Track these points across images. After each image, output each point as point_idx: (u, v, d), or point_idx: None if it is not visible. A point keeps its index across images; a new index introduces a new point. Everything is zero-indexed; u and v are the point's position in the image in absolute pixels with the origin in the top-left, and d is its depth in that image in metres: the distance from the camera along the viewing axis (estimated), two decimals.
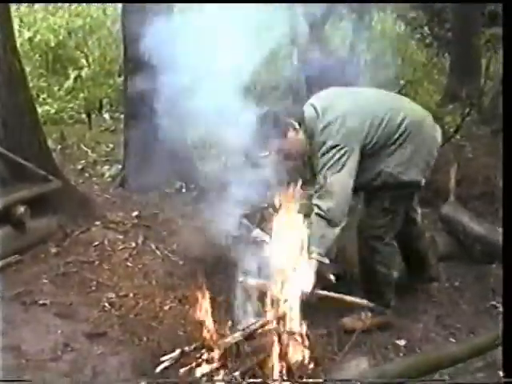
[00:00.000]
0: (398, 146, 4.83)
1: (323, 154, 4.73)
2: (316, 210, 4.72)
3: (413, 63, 14.04)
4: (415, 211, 5.43)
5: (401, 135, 4.83)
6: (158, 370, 4.39)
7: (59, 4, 13.21)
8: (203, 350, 4.45)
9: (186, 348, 4.46)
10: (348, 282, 5.44)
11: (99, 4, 13.56)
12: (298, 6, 8.72)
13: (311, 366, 4.46)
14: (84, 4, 13.49)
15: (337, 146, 4.69)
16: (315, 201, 4.76)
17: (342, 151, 4.68)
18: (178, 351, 4.44)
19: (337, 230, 4.74)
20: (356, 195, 5.08)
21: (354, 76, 9.94)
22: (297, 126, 4.88)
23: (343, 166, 4.68)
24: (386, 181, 4.88)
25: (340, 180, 4.70)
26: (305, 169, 5.39)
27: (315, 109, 4.89)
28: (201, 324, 4.67)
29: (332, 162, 4.69)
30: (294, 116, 4.93)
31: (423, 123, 4.96)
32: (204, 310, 4.71)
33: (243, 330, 4.52)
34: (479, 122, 10.11)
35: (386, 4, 15.66)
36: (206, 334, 4.53)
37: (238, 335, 4.44)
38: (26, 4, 12.62)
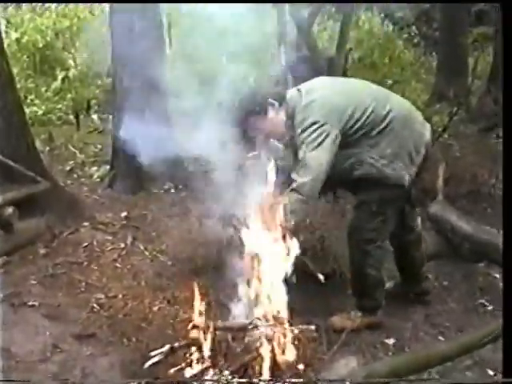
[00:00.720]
0: (382, 138, 4.79)
1: (303, 131, 4.69)
2: (292, 184, 4.73)
3: (400, 63, 14.09)
4: (413, 219, 5.40)
5: (385, 127, 4.78)
6: (147, 365, 4.40)
7: (46, 5, 13.18)
8: (192, 349, 4.46)
9: (176, 344, 4.48)
10: (337, 282, 5.46)
11: (87, 4, 13.53)
12: (287, 5, 8.71)
13: (300, 365, 4.48)
14: (71, 5, 13.45)
15: (317, 122, 4.65)
16: (293, 175, 4.76)
17: (322, 128, 4.64)
18: (167, 346, 4.45)
19: (306, 206, 4.80)
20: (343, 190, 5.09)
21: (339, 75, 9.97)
22: (277, 105, 4.86)
23: (321, 142, 4.64)
24: (369, 172, 4.82)
25: (317, 156, 4.66)
26: (287, 151, 5.33)
27: (299, 90, 4.88)
28: (190, 323, 4.69)
29: (311, 138, 4.65)
30: (274, 96, 4.91)
31: (411, 119, 4.93)
32: (193, 309, 4.72)
33: (231, 328, 4.55)
34: (467, 120, 10.15)
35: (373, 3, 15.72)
36: (194, 333, 4.55)
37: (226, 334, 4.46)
38: (13, 5, 12.59)
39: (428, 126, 5.06)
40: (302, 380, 3.79)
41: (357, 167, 4.85)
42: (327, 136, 4.64)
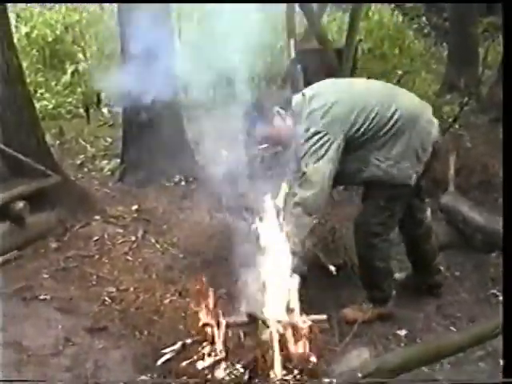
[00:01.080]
0: (388, 140, 4.76)
1: (306, 141, 4.67)
2: (295, 198, 4.73)
3: (410, 53, 14.04)
4: (422, 212, 5.38)
5: (391, 128, 4.75)
6: (160, 362, 4.41)
7: None
8: (204, 343, 4.46)
9: (188, 340, 4.48)
10: (349, 273, 5.45)
11: None
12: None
13: (312, 357, 4.48)
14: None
15: (319, 132, 4.64)
16: (295, 188, 4.75)
17: (325, 138, 4.62)
18: (179, 343, 4.45)
19: (312, 220, 4.76)
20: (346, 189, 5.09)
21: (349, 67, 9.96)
22: (282, 113, 4.84)
23: (325, 153, 4.63)
24: (375, 174, 4.82)
25: (320, 169, 4.65)
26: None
27: (303, 95, 4.87)
28: (201, 317, 4.69)
29: (314, 148, 4.64)
30: (280, 103, 4.90)
31: (418, 117, 4.86)
32: (204, 303, 4.72)
33: (242, 324, 4.55)
34: (477, 111, 10.10)
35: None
36: (206, 327, 4.55)
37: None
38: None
39: (435, 123, 4.99)
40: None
41: (363, 169, 4.84)
42: (330, 146, 4.64)
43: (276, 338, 4.41)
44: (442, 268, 5.66)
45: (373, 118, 4.74)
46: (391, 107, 4.79)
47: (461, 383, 3.24)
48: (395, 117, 4.76)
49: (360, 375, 3.07)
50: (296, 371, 4.35)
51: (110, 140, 8.89)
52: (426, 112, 4.99)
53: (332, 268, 5.28)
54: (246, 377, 4.26)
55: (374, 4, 14.86)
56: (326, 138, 4.63)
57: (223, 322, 4.50)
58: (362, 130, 4.73)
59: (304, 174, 4.67)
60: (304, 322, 4.61)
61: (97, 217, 6.47)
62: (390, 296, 5.21)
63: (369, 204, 5.05)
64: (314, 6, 10.85)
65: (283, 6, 9.54)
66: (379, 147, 4.78)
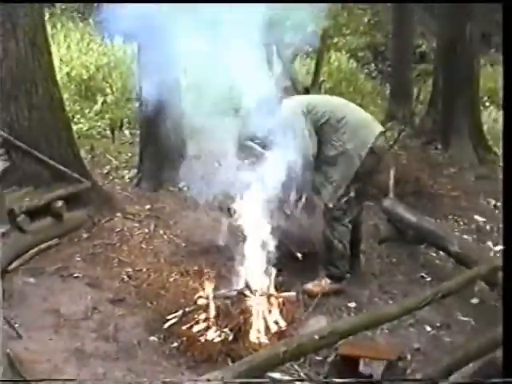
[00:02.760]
0: (340, 128, 4.99)
1: None
2: None
3: (361, 91, 14.06)
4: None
5: (341, 121, 4.99)
6: (166, 326, 4.41)
7: (90, 46, 13.14)
8: (200, 311, 4.46)
9: (187, 309, 4.48)
10: (312, 259, 5.44)
11: (121, 45, 13.50)
12: (274, 47, 8.67)
13: (284, 323, 4.49)
14: (109, 45, 13.43)
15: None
16: None
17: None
18: (180, 312, 4.46)
19: None
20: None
21: None
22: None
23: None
24: (332, 151, 5.00)
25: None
26: None
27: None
28: (198, 292, 4.70)
29: None
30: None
31: (359, 121, 5.08)
32: (200, 281, 4.74)
33: (228, 296, 4.56)
34: (412, 136, 10.15)
35: (341, 45, 15.70)
36: (201, 299, 4.56)
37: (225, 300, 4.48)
38: (65, 46, 12.57)
39: (375, 126, 5.19)
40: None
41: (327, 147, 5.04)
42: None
43: (255, 307, 4.43)
44: (361, 256, 5.63)
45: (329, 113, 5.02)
46: (342, 110, 5.10)
47: (461, 383, 3.21)
48: (343, 119, 4.98)
49: (317, 337, 3.07)
50: (270, 334, 4.38)
51: (129, 155, 8.84)
52: (367, 120, 5.23)
53: (299, 255, 5.29)
54: (232, 337, 4.27)
55: (333, 52, 14.85)
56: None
57: (214, 294, 4.52)
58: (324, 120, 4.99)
59: None
60: (277, 296, 4.64)
61: (118, 214, 6.43)
62: (343, 274, 5.18)
63: (336, 195, 5.06)
64: (289, 53, 10.86)
65: (264, 53, 9.53)
66: (335, 132, 4.98)
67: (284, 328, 4.45)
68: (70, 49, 12.77)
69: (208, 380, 2.58)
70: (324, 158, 5.03)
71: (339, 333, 3.16)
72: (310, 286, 5.17)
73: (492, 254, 5.94)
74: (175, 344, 4.30)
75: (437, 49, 10.80)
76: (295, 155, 4.86)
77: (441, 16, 10.48)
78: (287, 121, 5.00)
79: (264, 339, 4.32)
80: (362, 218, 5.48)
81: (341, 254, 5.15)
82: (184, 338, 4.31)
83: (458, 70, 9.34)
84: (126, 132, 10.26)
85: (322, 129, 5.02)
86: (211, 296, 4.49)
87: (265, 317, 4.45)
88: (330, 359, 3.90)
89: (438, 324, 4.77)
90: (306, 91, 10.02)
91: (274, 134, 5.02)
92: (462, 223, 6.83)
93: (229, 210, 5.39)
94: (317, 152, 5.02)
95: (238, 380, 2.58)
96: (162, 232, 6.21)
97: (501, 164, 7.41)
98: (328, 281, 5.14)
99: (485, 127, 9.75)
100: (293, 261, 5.35)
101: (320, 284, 5.14)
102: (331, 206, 5.05)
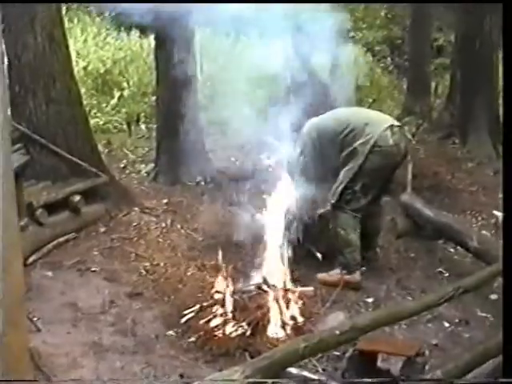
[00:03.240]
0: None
1: None
2: None
3: (378, 86, 13.99)
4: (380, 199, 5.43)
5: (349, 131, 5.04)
6: (183, 320, 4.41)
7: (106, 40, 13.17)
8: (217, 306, 4.46)
9: (204, 304, 4.48)
10: (330, 259, 5.41)
11: (137, 39, 13.51)
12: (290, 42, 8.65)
13: (302, 318, 4.48)
14: (125, 40, 13.44)
15: None
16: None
17: None
18: (197, 306, 4.45)
19: None
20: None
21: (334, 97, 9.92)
22: None
23: None
24: None
25: None
26: None
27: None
28: (215, 286, 4.69)
29: None
30: None
31: (364, 121, 5.10)
32: (217, 275, 4.73)
33: (246, 290, 4.55)
34: (429, 130, 10.09)
35: (358, 39, 15.62)
36: (219, 293, 4.55)
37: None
38: (82, 40, 12.60)
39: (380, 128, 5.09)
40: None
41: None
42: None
43: (273, 302, 4.42)
44: (378, 250, 5.62)
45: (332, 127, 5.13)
46: (346, 119, 5.19)
47: (461, 383, 3.18)
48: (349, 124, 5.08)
49: (337, 332, 3.06)
50: (288, 329, 4.37)
51: (146, 149, 8.86)
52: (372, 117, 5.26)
53: (319, 255, 5.30)
54: (249, 332, 4.26)
55: (350, 47, 14.77)
56: None
57: (232, 289, 4.51)
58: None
59: None
60: (294, 291, 4.62)
61: (135, 208, 6.45)
62: (352, 264, 5.12)
63: (339, 189, 5.09)
64: (305, 49, 10.82)
65: (281, 48, 9.51)
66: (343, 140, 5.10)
67: (302, 323, 4.44)
68: (87, 43, 12.81)
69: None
70: (341, 160, 5.07)
71: (359, 328, 3.14)
72: (323, 275, 5.17)
73: None
74: (193, 338, 4.30)
75: (455, 42, 10.71)
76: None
77: (459, 9, 10.37)
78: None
79: (281, 334, 4.31)
80: (376, 210, 5.43)
81: (346, 242, 5.11)
82: (201, 333, 4.31)
83: (476, 64, 9.27)
84: (143, 126, 10.30)
85: (333, 142, 5.12)
86: (228, 291, 4.47)
87: (282, 311, 4.44)
88: (348, 354, 3.87)
89: (457, 320, 4.74)
90: (324, 85, 10.01)
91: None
92: (480, 218, 6.77)
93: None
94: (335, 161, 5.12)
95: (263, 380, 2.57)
96: (179, 226, 6.22)
97: None
98: (340, 271, 5.11)
99: None
100: (311, 256, 5.35)
101: (333, 275, 5.12)
102: (335, 198, 5.09)
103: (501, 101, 9.80)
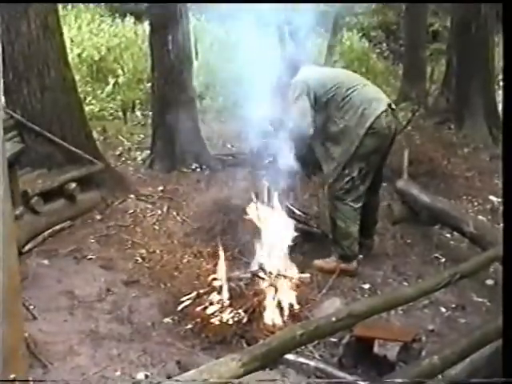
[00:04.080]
0: (343, 106, 4.96)
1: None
2: None
3: (374, 71, 13.96)
4: (378, 187, 5.38)
5: (344, 99, 4.94)
6: (180, 308, 4.40)
7: (101, 27, 13.12)
8: (214, 293, 4.45)
9: (201, 291, 4.47)
10: (325, 240, 5.41)
11: (132, 26, 13.46)
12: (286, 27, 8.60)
13: (298, 305, 4.47)
14: (120, 26, 13.40)
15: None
16: None
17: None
18: (194, 293, 4.44)
19: None
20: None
21: None
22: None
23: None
24: (334, 129, 4.98)
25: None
26: None
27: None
28: (211, 272, 4.68)
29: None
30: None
31: (363, 99, 4.99)
32: (213, 262, 4.72)
33: (243, 277, 4.54)
34: (425, 116, 10.07)
35: (353, 24, 15.58)
36: (215, 280, 4.54)
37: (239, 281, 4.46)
38: (76, 27, 12.54)
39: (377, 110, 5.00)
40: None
41: (327, 125, 5.02)
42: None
43: (269, 289, 4.41)
44: (374, 238, 5.58)
45: (335, 89, 4.97)
46: (349, 87, 4.99)
47: (461, 383, 3.17)
48: (349, 92, 4.95)
49: (334, 319, 3.05)
50: (284, 315, 4.37)
51: (142, 136, 8.84)
52: (378, 97, 5.11)
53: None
54: (246, 319, 4.25)
55: (345, 32, 14.73)
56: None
57: (228, 276, 4.50)
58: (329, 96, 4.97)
59: None
60: (291, 278, 4.61)
61: (131, 195, 6.43)
62: (350, 255, 5.11)
63: (335, 173, 5.03)
64: (301, 34, 10.78)
65: (276, 33, 9.48)
66: (339, 109, 4.95)
67: (298, 310, 4.44)
68: (81, 30, 12.77)
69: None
70: (327, 134, 5.01)
71: (356, 315, 3.13)
72: (319, 262, 5.16)
73: None
74: (189, 326, 4.29)
75: (451, 27, 10.67)
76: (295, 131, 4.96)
77: None
78: (292, 93, 5.05)
79: (278, 321, 4.30)
80: (376, 200, 5.41)
81: (345, 235, 5.08)
82: (198, 320, 4.30)
83: (472, 49, 9.24)
84: (138, 113, 10.27)
85: (328, 105, 4.98)
86: (225, 277, 4.46)
87: (279, 298, 4.43)
88: (344, 341, 3.88)
89: (453, 305, 4.74)
90: None
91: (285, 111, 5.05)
92: (476, 204, 6.77)
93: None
94: (321, 127, 4.98)
95: None
96: (175, 213, 6.21)
97: None
98: (336, 259, 5.11)
99: (499, 107, 9.62)
100: (307, 242, 5.34)
101: (329, 262, 5.12)
102: (331, 181, 5.03)
103: (496, 86, 9.80)
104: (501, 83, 10.28)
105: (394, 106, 5.18)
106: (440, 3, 13.36)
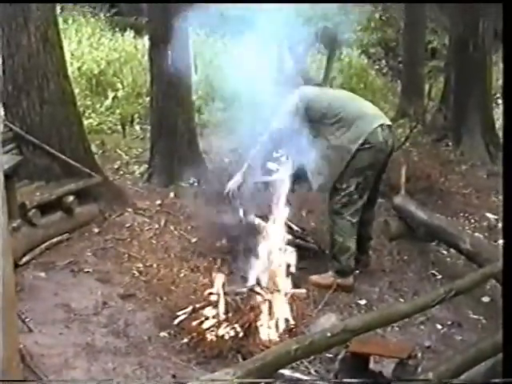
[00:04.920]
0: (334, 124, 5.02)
1: None
2: None
3: (372, 88, 14.01)
4: (374, 203, 5.40)
5: (335, 117, 5.00)
6: (176, 322, 4.40)
7: (101, 41, 13.16)
8: (210, 308, 4.45)
9: (197, 305, 4.47)
10: (322, 256, 5.43)
11: (131, 40, 13.52)
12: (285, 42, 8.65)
13: (294, 320, 4.47)
14: (120, 40, 13.46)
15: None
16: None
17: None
18: (190, 307, 4.44)
19: None
20: None
21: None
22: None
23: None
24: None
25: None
26: None
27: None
28: (208, 287, 4.68)
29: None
30: None
31: (357, 114, 5.04)
32: (210, 277, 4.72)
33: (239, 292, 4.54)
34: (423, 132, 10.10)
35: (352, 41, 15.65)
36: (211, 295, 4.54)
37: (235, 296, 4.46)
38: (76, 41, 12.58)
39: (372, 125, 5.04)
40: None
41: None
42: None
43: (266, 304, 4.41)
44: (370, 253, 5.59)
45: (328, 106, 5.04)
46: (342, 105, 5.08)
47: (461, 383, 3.18)
48: (340, 114, 4.99)
49: (329, 334, 3.06)
50: (280, 331, 4.37)
51: (140, 150, 8.85)
52: (370, 114, 5.14)
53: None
54: (242, 334, 4.25)
55: (344, 49, 14.80)
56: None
57: (225, 291, 4.50)
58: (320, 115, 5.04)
59: None
60: (287, 293, 4.62)
61: (129, 209, 6.43)
62: (347, 270, 5.13)
63: (333, 188, 5.07)
64: (300, 50, 10.84)
65: (275, 49, 9.53)
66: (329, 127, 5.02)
67: (294, 325, 4.44)
68: (81, 44, 12.80)
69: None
70: (319, 151, 5.03)
71: (351, 330, 3.14)
72: (316, 277, 5.17)
73: None
74: (185, 340, 4.29)
75: (449, 45, 10.74)
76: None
77: (453, 12, 10.39)
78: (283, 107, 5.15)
79: (274, 336, 4.31)
80: (371, 216, 5.43)
81: (343, 249, 5.10)
82: (194, 334, 4.30)
83: (470, 67, 9.28)
84: (137, 127, 10.27)
85: (320, 123, 5.05)
86: (221, 292, 4.46)
87: (275, 313, 4.43)
88: (340, 356, 3.88)
89: (449, 322, 4.75)
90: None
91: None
92: (473, 221, 6.79)
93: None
94: (313, 144, 5.04)
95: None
96: (172, 228, 6.21)
97: None
98: (333, 274, 5.12)
99: (497, 124, 9.66)
100: (304, 257, 5.35)
101: (326, 277, 5.12)
102: (329, 196, 5.08)
103: (494, 104, 9.85)
104: (499, 101, 10.38)
105: (389, 123, 5.19)
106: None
